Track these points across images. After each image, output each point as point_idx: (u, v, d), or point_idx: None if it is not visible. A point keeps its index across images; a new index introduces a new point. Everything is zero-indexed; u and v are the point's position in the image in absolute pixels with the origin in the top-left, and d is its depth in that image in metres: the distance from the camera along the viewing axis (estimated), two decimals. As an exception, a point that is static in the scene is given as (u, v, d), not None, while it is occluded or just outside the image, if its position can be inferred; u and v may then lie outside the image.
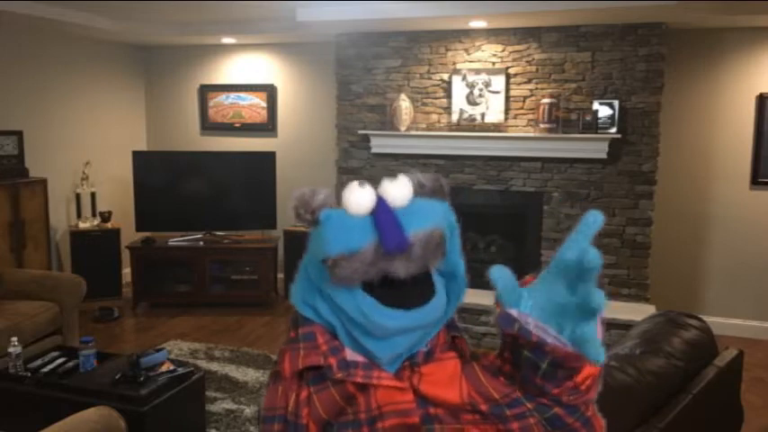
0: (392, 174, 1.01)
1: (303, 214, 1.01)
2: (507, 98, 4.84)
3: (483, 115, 4.87)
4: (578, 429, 1.01)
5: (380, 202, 0.96)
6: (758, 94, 4.69)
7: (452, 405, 0.99)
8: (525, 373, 0.97)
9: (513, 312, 0.96)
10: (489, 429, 0.99)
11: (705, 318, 2.54)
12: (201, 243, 5.62)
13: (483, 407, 0.98)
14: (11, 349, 3.08)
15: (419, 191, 1.02)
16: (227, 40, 5.76)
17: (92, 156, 5.73)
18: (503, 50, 4.84)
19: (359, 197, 0.95)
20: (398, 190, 0.97)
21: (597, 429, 1.05)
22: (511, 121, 4.85)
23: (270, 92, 5.98)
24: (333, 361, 0.99)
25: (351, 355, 1.01)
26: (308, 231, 1.04)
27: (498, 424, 0.98)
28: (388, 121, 5.07)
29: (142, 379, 2.92)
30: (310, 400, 1.01)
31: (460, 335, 1.07)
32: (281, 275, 5.72)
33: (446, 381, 1.00)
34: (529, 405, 0.98)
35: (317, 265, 0.99)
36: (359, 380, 0.99)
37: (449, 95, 4.96)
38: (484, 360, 1.05)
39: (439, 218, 0.99)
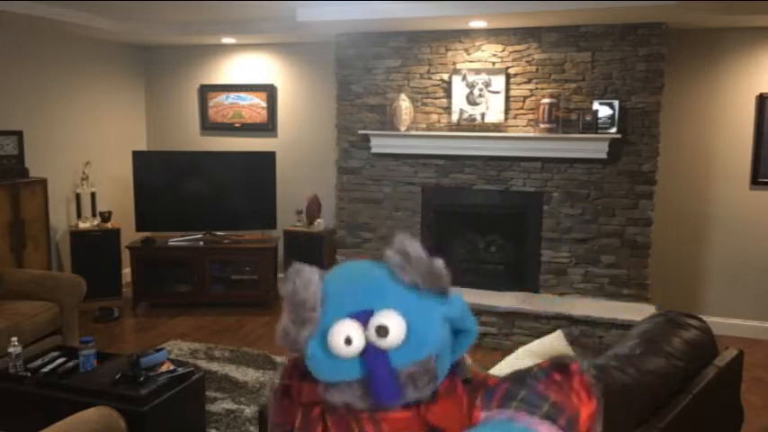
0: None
1: (291, 351, 1.00)
2: (507, 98, 4.84)
3: (483, 115, 4.87)
4: None
5: (370, 354, 0.93)
6: (758, 94, 4.69)
7: (458, 428, 0.99)
8: None
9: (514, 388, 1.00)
10: None
11: (705, 318, 2.54)
12: (201, 243, 5.62)
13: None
14: (11, 349, 3.08)
15: (419, 283, 0.98)
16: (227, 40, 5.76)
17: (92, 156, 5.73)
18: (503, 50, 4.84)
19: (346, 352, 0.93)
20: (390, 342, 0.93)
21: None
22: (511, 121, 4.85)
23: (270, 92, 5.98)
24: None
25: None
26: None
27: None
28: (388, 121, 5.07)
29: (142, 379, 2.92)
30: (324, 417, 1.01)
31: (468, 377, 1.06)
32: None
33: (453, 408, 1.01)
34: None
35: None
36: (365, 415, 0.99)
37: (449, 95, 4.96)
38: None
39: (434, 337, 0.96)
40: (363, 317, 0.94)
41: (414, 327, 0.95)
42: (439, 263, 1.01)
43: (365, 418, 0.99)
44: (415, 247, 1.00)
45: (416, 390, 0.94)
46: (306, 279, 0.98)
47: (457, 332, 1.03)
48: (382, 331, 0.93)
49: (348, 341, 0.93)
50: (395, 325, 0.93)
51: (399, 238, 1.01)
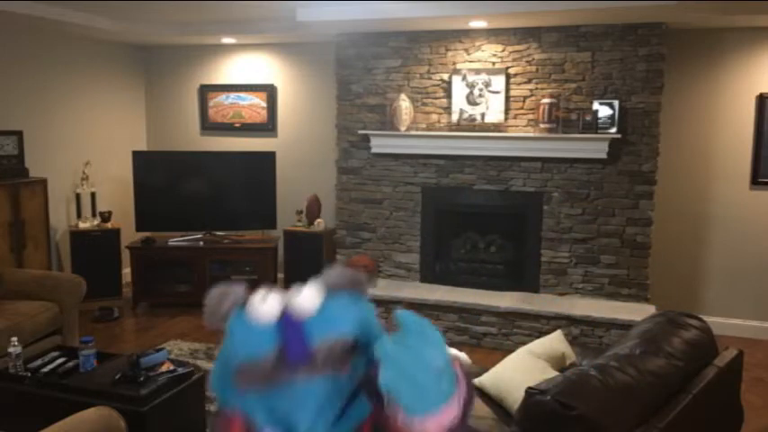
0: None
1: (213, 323, 1.03)
2: (507, 98, 4.84)
3: (483, 115, 4.87)
4: None
5: (285, 316, 0.96)
6: (758, 94, 4.69)
7: None
8: None
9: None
10: None
11: (705, 318, 2.54)
12: (201, 243, 5.62)
13: None
14: (11, 349, 3.08)
15: (338, 285, 1.02)
16: (227, 40, 5.76)
17: (92, 156, 5.73)
18: (503, 50, 4.84)
19: (263, 309, 0.97)
20: (305, 301, 0.97)
21: None
22: (511, 121, 4.85)
23: (270, 92, 5.99)
24: None
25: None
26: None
27: None
28: (388, 121, 5.07)
29: (142, 379, 2.92)
30: None
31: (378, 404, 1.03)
32: (281, 275, 5.72)
33: None
34: None
35: (229, 368, 1.00)
36: None
37: (449, 95, 4.96)
38: None
39: (348, 323, 0.98)
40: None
41: (328, 305, 0.99)
42: (358, 275, 1.06)
43: None
44: (339, 270, 1.05)
45: (326, 362, 0.93)
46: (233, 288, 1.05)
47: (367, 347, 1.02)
48: (297, 292, 0.98)
49: (263, 299, 0.97)
50: (310, 291, 0.98)
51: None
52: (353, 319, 1.00)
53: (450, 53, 4.96)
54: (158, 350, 3.14)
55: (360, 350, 0.99)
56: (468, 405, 0.91)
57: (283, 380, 0.94)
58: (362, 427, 1.01)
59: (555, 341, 2.84)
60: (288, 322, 0.95)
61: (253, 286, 4.27)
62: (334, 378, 0.94)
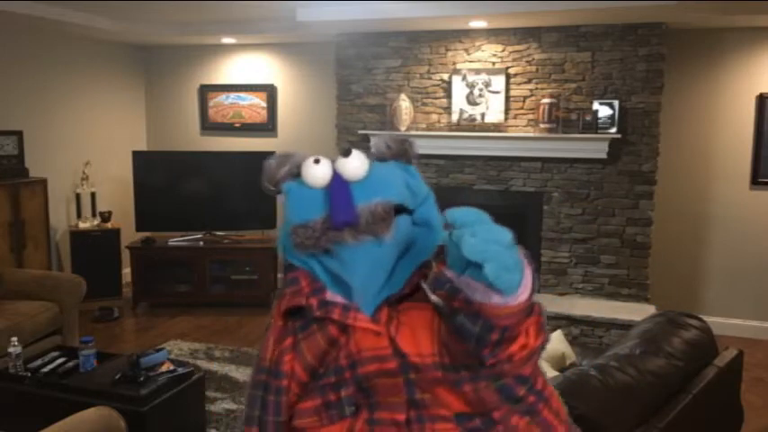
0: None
1: (267, 186, 1.08)
2: (507, 98, 4.84)
3: (483, 115, 4.87)
4: (534, 404, 1.02)
5: (334, 178, 1.00)
6: (758, 94, 4.69)
7: (422, 360, 1.00)
8: (464, 342, 0.95)
9: (449, 273, 0.93)
10: (451, 390, 1.00)
11: (705, 318, 2.54)
12: (201, 243, 5.62)
13: (447, 359, 0.99)
14: (11, 349, 3.08)
15: (384, 152, 1.07)
16: (227, 40, 5.76)
17: (92, 156, 5.73)
18: (503, 50, 4.84)
19: (314, 173, 1.01)
20: (352, 165, 1.00)
21: (555, 407, 1.05)
22: (511, 121, 4.85)
23: (270, 92, 5.98)
24: (313, 301, 1.05)
25: (331, 296, 1.06)
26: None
27: (454, 386, 1.00)
28: (388, 121, 5.07)
29: (142, 379, 2.92)
30: (297, 346, 1.06)
31: (431, 269, 1.06)
32: (281, 275, 5.71)
33: (419, 333, 1.02)
34: (483, 371, 0.97)
35: (286, 228, 1.06)
36: (335, 317, 1.03)
37: (449, 95, 4.96)
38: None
39: (395, 188, 1.02)
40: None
41: (375, 170, 1.02)
42: (406, 141, 1.12)
43: (337, 334, 1.03)
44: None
45: (371, 224, 0.96)
46: (295, 151, 1.10)
47: (421, 227, 1.05)
48: (345, 152, 1.01)
49: (317, 161, 1.00)
50: (358, 154, 1.01)
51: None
52: (399, 184, 1.04)
53: (450, 53, 4.96)
54: (158, 350, 3.15)
55: (407, 214, 1.03)
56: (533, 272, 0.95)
57: (331, 242, 0.98)
58: (412, 278, 1.05)
59: (555, 341, 2.84)
60: (336, 186, 0.99)
61: (253, 286, 4.29)
62: (380, 240, 0.98)
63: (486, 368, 0.95)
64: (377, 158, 1.07)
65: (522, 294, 0.88)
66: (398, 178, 1.05)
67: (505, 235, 0.89)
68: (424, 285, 1.00)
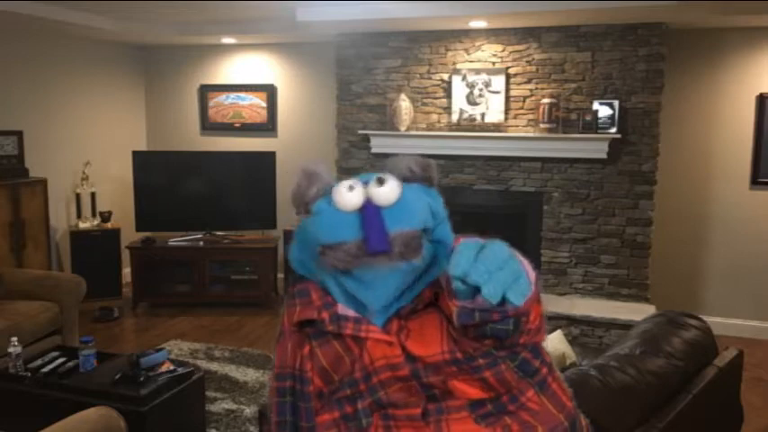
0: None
1: (298, 208, 1.09)
2: (507, 98, 4.84)
3: (483, 115, 4.87)
4: (545, 375, 1.07)
5: (368, 206, 1.01)
6: (758, 94, 4.69)
7: (434, 360, 1.04)
8: (495, 341, 1.01)
9: (469, 304, 0.97)
10: (467, 379, 1.04)
11: (705, 318, 2.54)
12: (201, 243, 5.62)
13: (459, 355, 1.03)
14: (11, 349, 3.08)
15: (408, 176, 1.09)
16: (227, 40, 5.76)
17: (92, 156, 5.73)
18: (503, 50, 4.84)
19: (347, 200, 1.02)
20: (385, 194, 1.02)
21: (557, 376, 1.10)
22: (511, 121, 4.85)
23: (270, 92, 5.98)
24: (325, 315, 1.07)
25: (342, 309, 1.08)
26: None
27: (473, 374, 1.04)
28: (388, 121, 5.07)
29: (142, 379, 2.92)
30: (312, 353, 1.08)
31: (443, 290, 1.09)
32: (281, 275, 5.72)
33: (428, 336, 1.05)
34: (499, 353, 1.03)
35: (311, 245, 1.07)
36: (348, 332, 1.06)
37: (449, 95, 4.96)
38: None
39: (422, 214, 1.05)
40: (366, 182, 1.05)
41: (406, 196, 1.04)
42: (425, 158, 1.14)
43: (351, 343, 1.06)
44: (400, 155, 1.14)
45: (403, 251, 1.00)
46: (317, 163, 1.12)
47: (436, 246, 1.09)
48: (380, 181, 1.03)
49: (350, 188, 1.02)
50: (392, 181, 1.04)
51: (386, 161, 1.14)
52: (425, 209, 1.07)
53: (450, 53, 4.96)
54: (158, 350, 3.14)
55: (428, 236, 1.07)
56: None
57: (365, 266, 1.01)
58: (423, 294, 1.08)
59: (555, 341, 2.84)
60: (370, 214, 1.01)
61: (253, 286, 4.29)
62: (408, 265, 1.01)
63: (502, 349, 1.01)
64: (405, 179, 1.09)
65: (532, 290, 0.95)
66: (424, 203, 1.07)
67: (499, 255, 0.97)
68: (456, 319, 1.01)
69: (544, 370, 1.07)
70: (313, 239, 1.05)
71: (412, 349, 1.04)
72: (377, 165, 5.21)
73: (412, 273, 1.04)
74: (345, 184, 1.03)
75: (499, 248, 0.98)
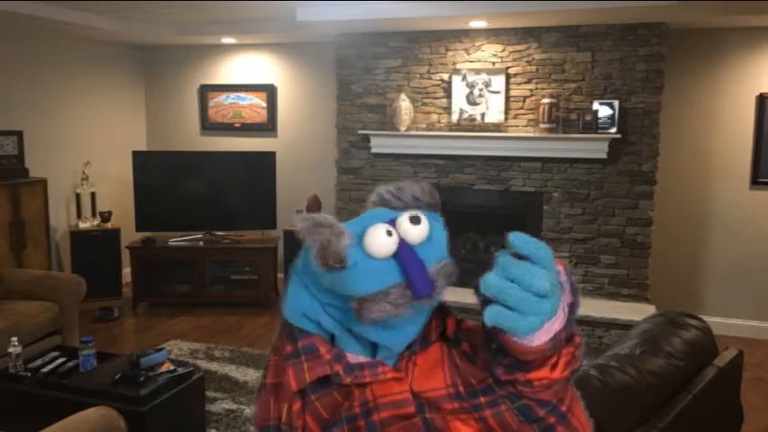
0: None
1: (333, 264, 0.97)
2: (507, 98, 4.84)
3: (483, 115, 4.87)
4: (554, 425, 0.98)
5: (403, 248, 0.95)
6: (758, 94, 4.69)
7: (436, 394, 0.99)
8: (485, 352, 0.96)
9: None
10: (467, 419, 0.98)
11: (705, 318, 2.54)
12: (201, 243, 5.62)
13: (461, 389, 0.98)
14: (11, 349, 3.08)
15: (414, 204, 1.03)
16: (227, 40, 5.76)
17: (92, 156, 5.73)
18: (503, 50, 4.84)
19: (387, 245, 0.95)
20: (421, 232, 0.96)
21: (574, 426, 1.01)
22: (511, 121, 4.85)
23: (270, 92, 5.98)
24: (338, 368, 1.00)
25: (352, 357, 1.02)
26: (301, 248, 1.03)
27: (473, 413, 0.98)
28: (388, 121, 5.07)
29: (142, 379, 2.92)
30: (309, 407, 1.02)
31: (449, 313, 1.06)
32: (281, 275, 5.72)
33: (432, 369, 1.01)
34: (500, 392, 0.97)
35: (338, 298, 1.00)
36: (367, 380, 1.00)
37: (449, 95, 4.96)
38: (464, 344, 1.04)
39: (446, 243, 1.00)
40: (391, 222, 0.97)
41: (431, 228, 0.98)
42: (427, 183, 1.07)
43: (355, 394, 1.00)
44: (401, 182, 1.07)
45: (442, 287, 0.94)
46: (318, 213, 1.02)
47: None
48: (415, 220, 0.96)
49: (389, 232, 0.94)
50: (423, 217, 0.97)
51: (380, 187, 1.06)
52: (446, 239, 1.02)
53: (450, 53, 4.96)
54: (158, 350, 3.14)
55: None
56: (573, 306, 0.90)
57: (407, 311, 0.94)
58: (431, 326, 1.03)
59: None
60: (409, 257, 0.94)
61: (253, 286, 4.28)
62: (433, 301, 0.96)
63: (502, 387, 0.94)
64: (403, 209, 1.03)
65: (538, 340, 0.85)
66: (444, 234, 1.02)
67: (541, 281, 0.85)
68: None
69: (551, 420, 0.98)
70: (346, 293, 0.97)
71: (415, 386, 1.00)
72: (377, 165, 5.21)
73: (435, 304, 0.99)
74: (381, 228, 0.95)
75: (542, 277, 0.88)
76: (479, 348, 0.98)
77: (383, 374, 1.00)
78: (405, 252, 0.95)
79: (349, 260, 0.95)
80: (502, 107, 4.83)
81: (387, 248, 0.94)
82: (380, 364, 1.01)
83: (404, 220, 0.96)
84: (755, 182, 4.77)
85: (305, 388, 1.02)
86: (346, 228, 0.99)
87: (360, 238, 0.97)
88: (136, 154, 5.65)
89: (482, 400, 0.97)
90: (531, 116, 4.80)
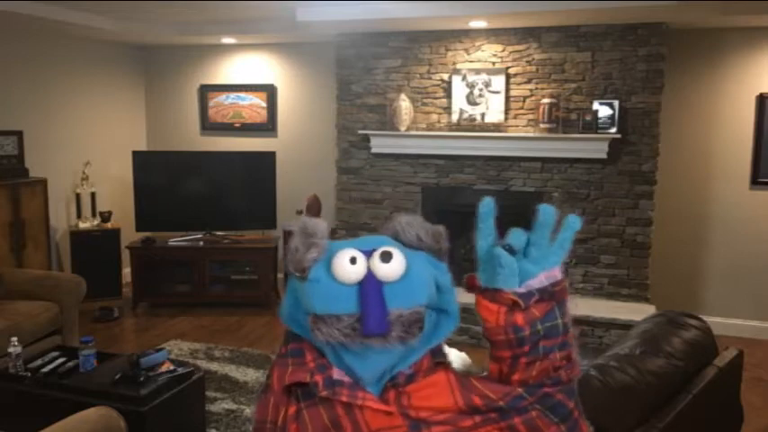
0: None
1: (294, 272, 1.00)
2: (507, 98, 4.84)
3: (483, 115, 4.87)
4: (577, 418, 1.02)
5: (369, 280, 0.95)
6: (758, 94, 4.69)
7: (449, 413, 0.98)
8: (530, 351, 0.99)
9: (525, 287, 1.06)
10: (492, 430, 0.98)
11: (705, 318, 2.54)
12: (201, 243, 5.62)
13: (480, 404, 0.98)
14: (11, 349, 3.08)
15: (415, 243, 1.02)
16: (227, 40, 5.76)
17: (92, 156, 5.73)
18: (503, 50, 4.84)
19: (348, 272, 0.95)
20: (391, 270, 0.96)
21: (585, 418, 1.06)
22: (511, 121, 4.85)
23: (270, 92, 5.98)
24: (319, 378, 1.00)
25: (338, 374, 1.02)
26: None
27: (500, 422, 0.98)
28: (388, 121, 5.07)
29: (142, 379, 2.92)
30: (299, 415, 1.02)
31: (445, 361, 1.06)
32: (281, 275, 5.72)
33: (438, 391, 1.00)
34: (530, 398, 0.98)
35: (303, 309, 1.01)
36: (344, 399, 0.99)
37: (449, 95, 4.96)
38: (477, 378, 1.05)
39: (426, 288, 0.99)
40: (368, 252, 0.97)
41: (411, 269, 0.97)
42: (439, 227, 1.06)
43: (341, 412, 0.99)
44: (415, 217, 1.06)
45: (403, 333, 0.94)
46: (316, 220, 1.03)
47: (439, 313, 1.04)
48: (386, 256, 0.95)
49: (353, 260, 0.95)
50: (397, 256, 0.96)
51: (400, 216, 1.06)
52: (430, 284, 1.00)
53: (450, 53, 4.96)
54: (158, 350, 3.14)
55: (431, 306, 1.01)
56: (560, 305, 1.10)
57: (356, 344, 0.95)
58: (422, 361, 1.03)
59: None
60: (371, 292, 0.95)
61: (253, 286, 4.28)
62: (407, 346, 0.96)
63: (534, 393, 0.98)
64: (405, 245, 1.02)
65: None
66: (430, 276, 1.01)
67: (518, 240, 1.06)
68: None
69: (576, 413, 1.00)
70: (306, 306, 0.99)
71: (418, 405, 0.98)
72: (377, 165, 5.21)
73: (408, 350, 0.99)
74: (347, 254, 0.96)
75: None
76: (514, 362, 1.03)
77: (363, 400, 0.99)
78: (368, 285, 0.94)
79: (311, 273, 0.97)
80: (502, 107, 4.83)
81: (348, 276, 0.94)
82: (362, 390, 1.00)
83: (377, 254, 0.96)
84: (755, 182, 4.77)
85: (297, 393, 1.02)
86: (334, 245, 0.99)
87: (330, 258, 0.97)
88: (136, 154, 5.65)
89: (505, 406, 0.98)
90: (531, 116, 4.80)
